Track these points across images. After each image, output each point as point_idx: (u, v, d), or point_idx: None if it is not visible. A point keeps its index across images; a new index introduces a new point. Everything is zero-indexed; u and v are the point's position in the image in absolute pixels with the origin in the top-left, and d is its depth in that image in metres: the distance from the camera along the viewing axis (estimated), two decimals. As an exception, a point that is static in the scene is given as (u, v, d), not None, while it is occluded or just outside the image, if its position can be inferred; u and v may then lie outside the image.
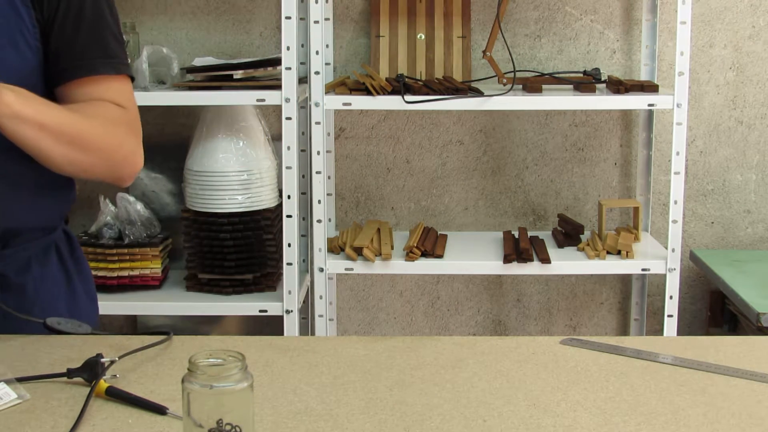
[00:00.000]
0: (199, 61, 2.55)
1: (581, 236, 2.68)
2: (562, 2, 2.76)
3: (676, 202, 2.43)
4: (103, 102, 1.41)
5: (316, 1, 2.38)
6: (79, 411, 1.09)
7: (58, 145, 1.32)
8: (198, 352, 0.93)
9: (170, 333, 1.34)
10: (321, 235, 2.47)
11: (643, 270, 2.51)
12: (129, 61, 1.49)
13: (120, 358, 1.24)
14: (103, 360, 1.19)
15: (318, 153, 2.46)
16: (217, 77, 2.44)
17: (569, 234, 2.68)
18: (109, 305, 2.45)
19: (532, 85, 2.50)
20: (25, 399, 1.13)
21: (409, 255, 2.50)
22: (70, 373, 1.18)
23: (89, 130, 1.36)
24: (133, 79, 1.48)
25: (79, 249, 1.56)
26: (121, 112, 1.42)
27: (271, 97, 2.35)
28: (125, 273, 2.49)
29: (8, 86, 1.27)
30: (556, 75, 2.66)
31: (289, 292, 2.41)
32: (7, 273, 1.41)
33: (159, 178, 2.78)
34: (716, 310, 2.78)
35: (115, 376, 1.18)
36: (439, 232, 2.75)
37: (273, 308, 2.43)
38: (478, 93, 2.44)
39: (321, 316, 2.51)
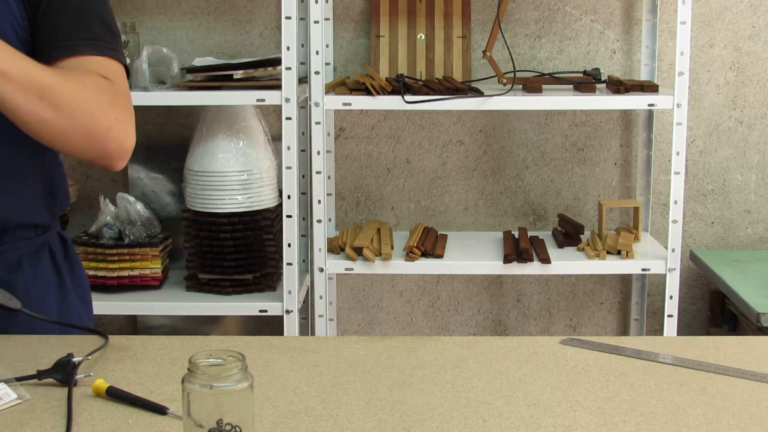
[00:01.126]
0: (199, 61, 2.55)
1: (581, 236, 2.68)
2: (562, 2, 2.76)
3: (676, 202, 2.43)
4: (86, 71, 1.31)
5: (316, 1, 2.38)
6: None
7: (26, 99, 1.21)
8: (198, 352, 0.93)
9: (106, 336, 1.32)
10: (321, 235, 2.47)
11: (643, 270, 2.51)
12: (123, 51, 1.40)
13: (90, 356, 1.23)
14: (74, 360, 1.18)
15: (318, 153, 2.46)
16: (217, 77, 2.44)
17: (569, 234, 2.68)
18: (109, 305, 2.45)
19: (532, 85, 2.50)
20: (25, 399, 1.13)
21: (409, 255, 2.50)
22: (40, 375, 1.17)
23: (63, 87, 1.25)
24: (128, 69, 1.39)
25: (75, 254, 1.53)
26: (106, 82, 1.31)
27: (271, 97, 2.35)
28: (125, 273, 2.49)
29: None
30: (556, 75, 2.66)
31: (289, 292, 2.41)
32: None
33: (159, 178, 2.78)
34: (716, 310, 2.78)
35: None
36: (439, 232, 2.75)
37: (273, 308, 2.43)
38: (478, 93, 2.44)
39: (321, 316, 2.51)
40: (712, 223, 2.86)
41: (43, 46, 1.33)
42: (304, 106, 2.63)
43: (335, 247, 2.57)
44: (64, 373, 1.17)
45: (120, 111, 1.31)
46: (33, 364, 1.23)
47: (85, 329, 1.39)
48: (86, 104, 1.26)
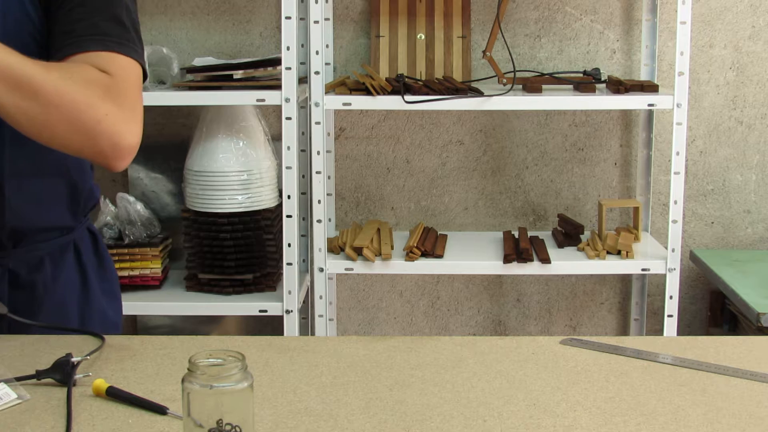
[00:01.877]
0: (199, 61, 2.55)
1: (581, 236, 2.68)
2: (562, 2, 2.76)
3: (676, 202, 2.43)
4: (79, 63, 1.26)
5: (316, 1, 2.38)
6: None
7: (6, 91, 1.17)
8: (198, 352, 0.93)
9: (102, 337, 1.32)
10: (321, 235, 2.47)
11: (643, 270, 2.51)
12: (138, 47, 1.34)
13: (89, 356, 1.23)
14: (73, 360, 1.18)
15: (318, 153, 2.46)
16: (217, 77, 2.44)
17: (569, 234, 2.68)
18: (109, 305, 2.45)
19: (532, 85, 2.50)
20: (25, 399, 1.13)
21: (409, 255, 2.50)
22: (39, 375, 1.18)
23: (43, 77, 1.19)
24: (144, 66, 1.33)
25: (104, 248, 1.53)
26: (102, 76, 1.25)
27: (271, 97, 2.35)
28: (125, 273, 2.49)
29: None
30: (556, 75, 2.66)
31: (289, 292, 2.41)
32: (18, 270, 1.39)
33: (159, 178, 2.78)
34: (716, 310, 2.78)
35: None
36: (439, 232, 2.75)
37: (273, 308, 2.43)
38: (478, 93, 2.44)
39: (321, 316, 2.51)
40: (712, 223, 2.86)
41: (55, 44, 1.30)
42: (304, 106, 2.63)
43: (335, 247, 2.57)
44: (62, 373, 1.17)
45: (113, 106, 1.23)
46: (32, 364, 1.23)
47: (81, 332, 1.38)
48: (69, 96, 1.20)
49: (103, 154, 1.24)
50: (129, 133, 1.25)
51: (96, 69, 1.25)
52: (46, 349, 1.29)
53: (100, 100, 1.22)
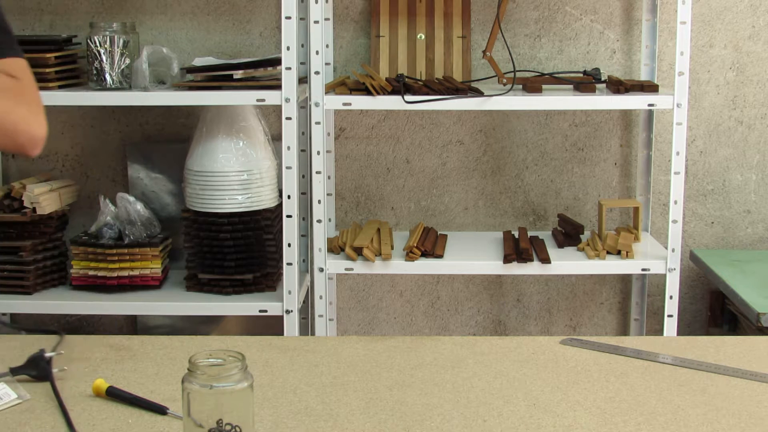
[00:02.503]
0: (199, 61, 2.55)
1: (581, 236, 2.68)
2: (562, 2, 2.76)
3: (676, 202, 2.43)
4: None
5: (316, 1, 2.38)
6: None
7: None
8: (198, 352, 0.93)
9: (61, 333, 1.33)
10: (321, 235, 2.47)
11: (643, 270, 2.51)
12: (19, 46, 1.44)
13: (57, 350, 1.23)
14: (47, 355, 1.18)
15: (318, 153, 2.46)
16: (217, 77, 2.44)
17: (569, 234, 2.68)
18: (109, 305, 2.45)
19: (532, 85, 2.50)
20: (25, 399, 1.13)
21: (409, 255, 2.50)
22: (13, 372, 1.17)
23: None
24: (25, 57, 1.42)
25: None
26: (11, 82, 1.38)
27: (271, 97, 2.35)
28: (125, 273, 2.49)
29: None
30: (556, 75, 2.66)
31: (289, 292, 2.41)
32: None
33: (159, 178, 2.78)
34: (716, 310, 2.78)
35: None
36: (439, 232, 2.75)
37: (273, 308, 2.43)
38: (478, 93, 2.44)
39: (321, 316, 2.51)
40: (712, 223, 2.86)
41: None
42: (304, 106, 2.63)
43: (335, 247, 2.57)
44: (38, 369, 1.17)
45: (25, 107, 1.36)
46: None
47: (43, 331, 1.40)
48: None
49: (22, 147, 1.38)
50: (40, 127, 1.38)
51: (4, 75, 1.36)
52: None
53: (15, 105, 1.35)
